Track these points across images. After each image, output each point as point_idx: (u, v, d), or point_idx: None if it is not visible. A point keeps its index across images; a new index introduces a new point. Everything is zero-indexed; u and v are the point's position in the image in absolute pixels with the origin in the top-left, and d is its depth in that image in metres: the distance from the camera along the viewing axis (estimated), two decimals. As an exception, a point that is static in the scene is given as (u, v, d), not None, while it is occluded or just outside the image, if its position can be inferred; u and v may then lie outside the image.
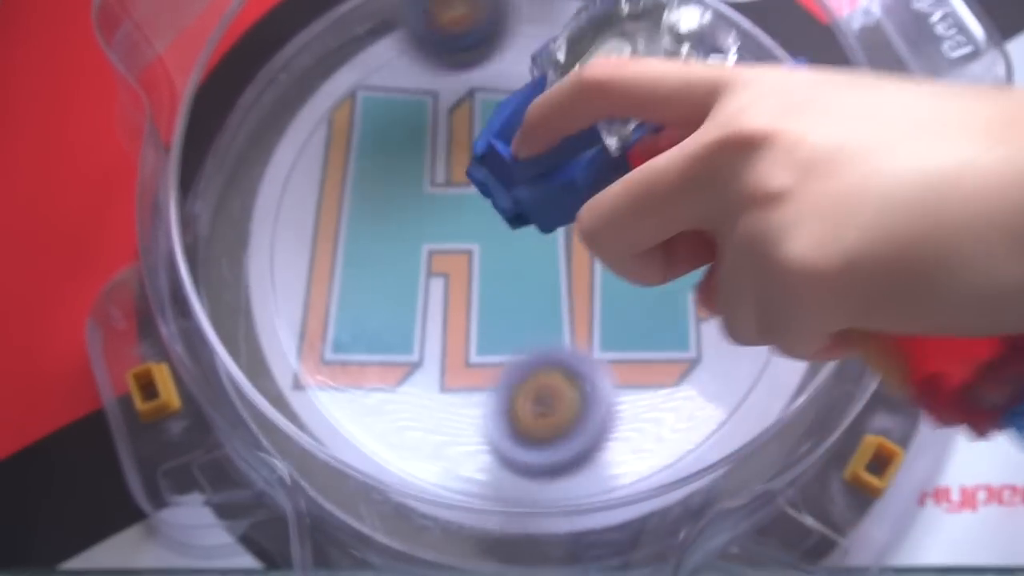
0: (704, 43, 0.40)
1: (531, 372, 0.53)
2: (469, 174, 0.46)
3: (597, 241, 0.37)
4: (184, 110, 0.58)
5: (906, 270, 0.30)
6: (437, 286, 0.61)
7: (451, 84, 0.66)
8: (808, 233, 0.31)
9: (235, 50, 0.66)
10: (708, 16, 0.40)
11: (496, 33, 0.62)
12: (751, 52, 0.65)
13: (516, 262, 0.61)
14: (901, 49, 0.55)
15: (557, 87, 0.39)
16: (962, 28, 0.54)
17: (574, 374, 0.53)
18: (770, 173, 0.32)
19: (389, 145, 0.65)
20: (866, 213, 0.30)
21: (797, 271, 0.31)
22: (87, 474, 0.57)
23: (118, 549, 0.55)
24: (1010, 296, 0.29)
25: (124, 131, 0.62)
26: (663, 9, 0.40)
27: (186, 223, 0.59)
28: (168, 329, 0.55)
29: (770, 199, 0.32)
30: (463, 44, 0.62)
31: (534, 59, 0.44)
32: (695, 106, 0.35)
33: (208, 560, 0.55)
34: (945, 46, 0.54)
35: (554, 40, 0.43)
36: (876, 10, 0.56)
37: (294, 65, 0.66)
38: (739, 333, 0.36)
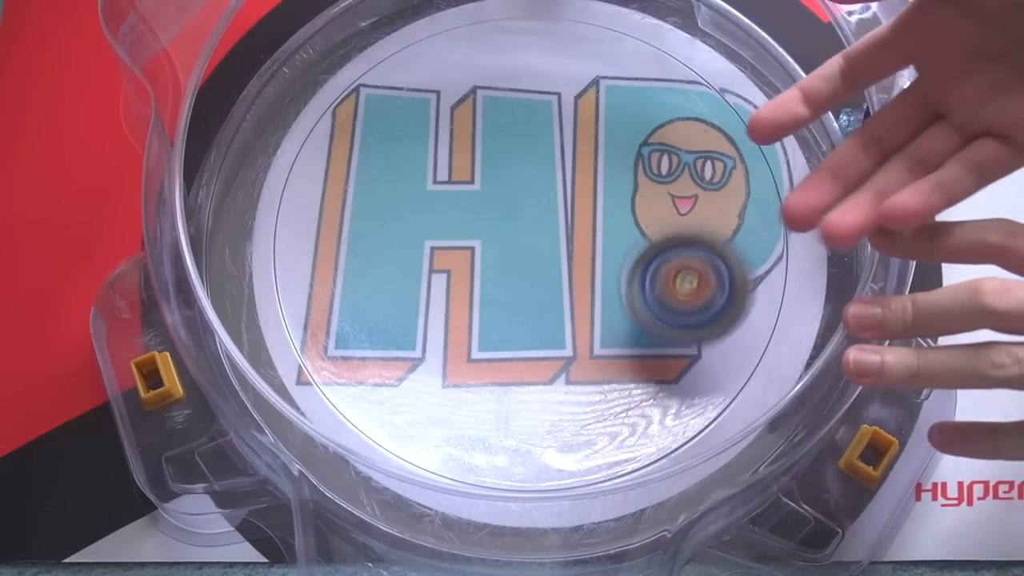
0: None
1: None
2: None
3: None
4: (188, 102, 0.58)
5: None
6: (439, 282, 0.61)
7: (454, 82, 0.66)
8: None
9: (240, 44, 0.67)
10: None
11: (731, 303, 0.58)
12: (751, 50, 0.66)
13: (518, 259, 0.62)
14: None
15: (948, 298, 0.44)
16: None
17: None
18: None
19: (392, 141, 0.65)
20: None
21: None
22: (92, 469, 0.57)
23: (122, 543, 0.56)
24: None
25: (129, 123, 0.63)
26: None
27: (189, 214, 0.60)
28: (173, 317, 0.55)
29: None
30: (698, 317, 0.58)
31: None
32: None
33: (211, 550, 0.56)
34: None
35: None
36: (872, 5, 0.56)
37: (297, 59, 0.66)
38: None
